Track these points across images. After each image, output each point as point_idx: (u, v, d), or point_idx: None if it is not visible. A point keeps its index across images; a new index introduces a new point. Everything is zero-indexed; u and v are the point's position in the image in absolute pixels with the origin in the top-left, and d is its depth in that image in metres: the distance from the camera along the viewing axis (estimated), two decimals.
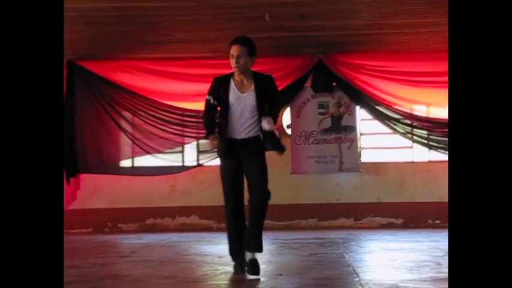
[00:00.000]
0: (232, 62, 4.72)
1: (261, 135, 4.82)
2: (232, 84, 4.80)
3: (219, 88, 4.84)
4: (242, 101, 4.78)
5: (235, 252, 4.94)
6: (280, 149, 5.00)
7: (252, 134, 4.81)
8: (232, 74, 4.85)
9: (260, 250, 4.77)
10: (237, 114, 4.78)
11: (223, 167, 4.92)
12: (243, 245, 4.79)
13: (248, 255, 4.74)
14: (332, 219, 9.18)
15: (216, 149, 5.00)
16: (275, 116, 4.91)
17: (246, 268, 4.72)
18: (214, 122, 4.91)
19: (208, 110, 4.93)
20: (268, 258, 5.64)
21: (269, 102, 4.84)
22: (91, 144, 8.96)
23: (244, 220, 4.92)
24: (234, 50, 4.71)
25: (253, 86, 4.80)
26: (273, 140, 4.95)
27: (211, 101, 4.85)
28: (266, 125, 4.72)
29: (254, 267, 4.66)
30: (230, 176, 4.86)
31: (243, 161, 4.83)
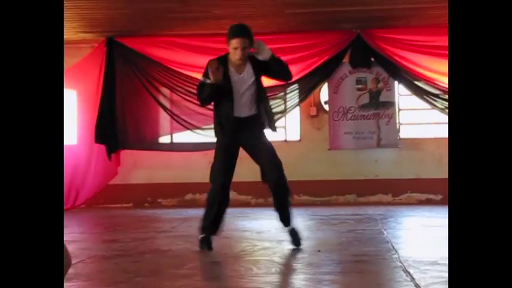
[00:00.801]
0: (236, 53, 4.62)
1: (261, 114, 4.85)
2: (229, 67, 4.74)
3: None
4: (241, 81, 4.75)
5: (206, 229, 4.93)
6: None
7: (252, 113, 4.82)
8: (226, 56, 4.77)
9: (289, 223, 4.92)
10: (238, 95, 4.75)
11: (219, 145, 4.92)
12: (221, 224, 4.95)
13: (285, 229, 4.94)
14: (370, 195, 9.16)
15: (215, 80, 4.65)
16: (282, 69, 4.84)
17: (290, 238, 4.89)
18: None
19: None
20: (307, 234, 5.62)
21: (265, 69, 4.80)
22: (131, 120, 9.05)
23: (227, 202, 4.99)
24: (238, 43, 4.60)
25: (249, 65, 4.76)
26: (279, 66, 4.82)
27: (208, 81, 4.67)
28: (258, 47, 4.68)
29: (294, 237, 4.88)
30: (226, 156, 4.85)
31: (243, 141, 4.86)
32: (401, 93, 9.16)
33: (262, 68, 4.79)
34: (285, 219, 4.93)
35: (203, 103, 5.07)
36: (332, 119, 8.93)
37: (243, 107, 4.79)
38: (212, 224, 4.91)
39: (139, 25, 8.44)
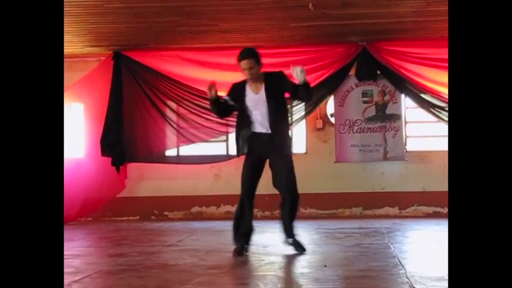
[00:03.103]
0: (246, 74, 5.23)
1: (284, 134, 5.39)
2: (247, 88, 5.32)
3: (237, 92, 5.37)
4: (258, 100, 5.26)
5: (239, 240, 5.42)
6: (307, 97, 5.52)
7: (269, 129, 5.27)
8: (247, 80, 5.35)
9: (292, 236, 5.37)
10: (258, 112, 5.26)
11: (246, 162, 5.38)
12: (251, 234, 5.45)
13: (288, 240, 5.37)
14: (376, 208, 9.13)
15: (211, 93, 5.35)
16: (305, 86, 5.23)
17: (293, 248, 5.32)
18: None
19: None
20: (313, 248, 5.60)
21: (290, 90, 5.32)
22: (138, 133, 9.06)
23: (252, 214, 5.47)
24: (245, 65, 5.19)
25: (263, 85, 5.27)
26: (306, 91, 5.28)
27: (229, 100, 5.37)
28: (297, 73, 5.14)
29: (297, 245, 5.31)
30: (252, 172, 5.33)
31: (266, 157, 5.34)
32: (407, 106, 9.14)
33: (280, 87, 5.29)
34: (289, 231, 5.35)
35: (217, 115, 5.84)
36: (338, 131, 8.91)
37: (260, 124, 5.28)
38: (244, 235, 5.41)
39: (146, 39, 8.46)
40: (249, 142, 5.33)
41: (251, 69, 5.18)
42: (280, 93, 5.33)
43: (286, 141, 5.42)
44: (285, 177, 5.24)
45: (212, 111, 5.66)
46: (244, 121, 5.33)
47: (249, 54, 5.22)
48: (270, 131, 5.24)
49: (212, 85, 5.31)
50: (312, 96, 5.67)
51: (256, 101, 5.25)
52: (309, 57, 8.69)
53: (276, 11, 7.17)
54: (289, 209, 5.30)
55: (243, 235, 5.39)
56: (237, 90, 5.36)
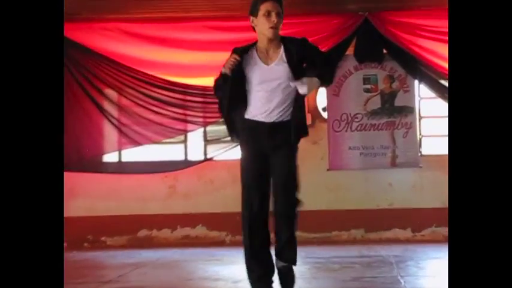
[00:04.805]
0: (268, 20, 4.89)
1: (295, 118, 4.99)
2: (255, 55, 4.99)
3: (242, 60, 4.96)
4: (270, 75, 4.93)
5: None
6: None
7: (284, 118, 4.95)
8: (254, 44, 5.05)
9: (293, 262, 5.06)
10: (265, 94, 4.92)
11: (244, 159, 5.05)
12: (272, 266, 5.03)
13: (279, 263, 5.04)
14: (383, 230, 9.20)
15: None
16: (327, 73, 5.10)
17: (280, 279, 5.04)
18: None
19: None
20: (300, 283, 5.56)
21: (313, 63, 4.99)
22: (65, 132, 8.91)
23: (269, 238, 5.06)
24: (271, 6, 4.90)
25: (282, 52, 4.96)
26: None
27: (228, 72, 4.91)
28: (300, 86, 4.83)
29: (286, 280, 5.02)
30: (253, 171, 4.97)
31: (270, 153, 4.96)
32: (422, 96, 9.21)
33: (300, 59, 4.98)
34: (287, 254, 5.04)
35: (225, 109, 5.15)
36: (332, 129, 8.94)
37: (272, 110, 4.94)
38: (261, 279, 5.02)
39: (76, 6, 8.32)
40: (245, 134, 5.03)
41: (278, 15, 4.90)
42: (301, 67, 4.99)
43: (297, 135, 5.10)
44: (286, 178, 4.95)
45: (219, 104, 5.21)
46: (241, 102, 4.98)
47: None
48: (273, 120, 4.94)
49: (235, 59, 4.91)
50: (334, 72, 5.51)
51: (264, 75, 4.95)
52: (294, 31, 8.55)
53: None
54: (285, 220, 5.00)
55: (259, 279, 5.04)
56: (242, 58, 4.97)
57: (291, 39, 5.08)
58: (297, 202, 5.00)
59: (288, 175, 4.95)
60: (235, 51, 5.01)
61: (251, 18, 5.01)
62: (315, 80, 4.88)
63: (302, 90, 4.83)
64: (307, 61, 5.01)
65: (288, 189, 4.95)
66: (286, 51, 4.95)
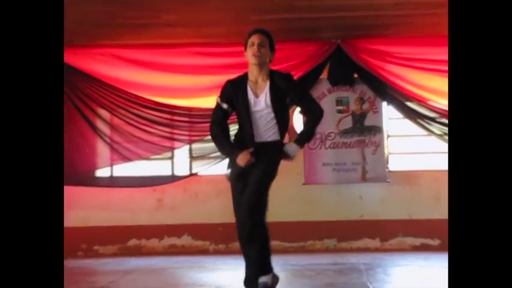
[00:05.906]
0: (252, 50, 5.11)
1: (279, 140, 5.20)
2: (248, 87, 5.17)
3: (237, 92, 5.18)
4: (257, 105, 5.14)
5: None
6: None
7: (273, 138, 5.19)
8: (246, 76, 5.21)
9: (267, 271, 5.00)
10: (248, 124, 5.15)
11: (231, 176, 5.19)
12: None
13: (262, 280, 4.98)
14: (354, 239, 9.19)
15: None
16: (311, 132, 5.52)
17: None
18: (229, 134, 5.31)
19: (219, 119, 5.24)
20: None
21: (298, 102, 5.49)
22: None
23: (257, 242, 5.03)
24: (256, 38, 5.13)
25: (267, 86, 5.15)
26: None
27: (224, 105, 5.18)
28: (290, 152, 5.23)
29: None
30: (237, 188, 5.15)
31: (250, 171, 5.08)
32: (390, 117, 9.27)
33: (284, 95, 5.19)
34: (260, 266, 5.03)
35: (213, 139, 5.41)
36: (307, 147, 8.91)
37: (263, 132, 5.15)
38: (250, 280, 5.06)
39: (72, 34, 8.34)
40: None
41: (260, 46, 5.09)
42: (284, 102, 5.23)
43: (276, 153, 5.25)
44: (249, 196, 4.98)
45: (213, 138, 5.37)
46: (248, 128, 5.16)
47: (265, 32, 5.19)
48: (274, 139, 5.18)
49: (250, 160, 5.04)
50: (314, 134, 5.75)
51: (255, 105, 5.16)
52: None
53: (233, 1, 7.20)
54: (248, 242, 5.02)
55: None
56: (237, 90, 5.19)
57: (279, 73, 5.26)
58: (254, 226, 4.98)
59: (252, 194, 5.00)
60: (228, 82, 5.23)
61: (245, 51, 5.21)
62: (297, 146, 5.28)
63: (292, 154, 5.23)
64: (289, 96, 5.23)
65: (250, 209, 4.96)
66: (272, 83, 5.13)
